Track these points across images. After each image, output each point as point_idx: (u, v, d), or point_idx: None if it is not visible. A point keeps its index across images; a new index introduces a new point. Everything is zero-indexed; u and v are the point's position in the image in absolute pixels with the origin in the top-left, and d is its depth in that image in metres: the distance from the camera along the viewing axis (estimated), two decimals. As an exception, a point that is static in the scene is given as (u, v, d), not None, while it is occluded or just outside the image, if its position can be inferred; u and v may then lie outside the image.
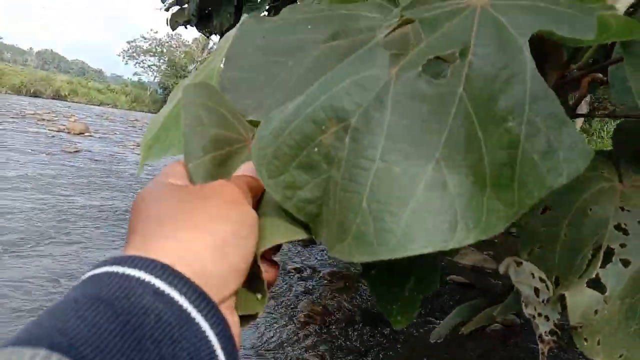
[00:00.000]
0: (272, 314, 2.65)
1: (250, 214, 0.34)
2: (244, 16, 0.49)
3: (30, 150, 6.64)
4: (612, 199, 0.42)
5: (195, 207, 0.32)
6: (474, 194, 0.28)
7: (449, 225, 0.27)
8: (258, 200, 0.38)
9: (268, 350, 2.25)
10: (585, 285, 0.39)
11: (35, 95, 23.31)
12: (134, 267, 0.27)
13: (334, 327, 2.56)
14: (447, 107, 0.30)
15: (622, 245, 0.39)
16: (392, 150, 0.29)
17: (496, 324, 2.64)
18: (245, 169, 0.39)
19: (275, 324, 2.53)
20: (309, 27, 0.44)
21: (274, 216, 0.36)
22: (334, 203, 0.31)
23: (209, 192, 0.34)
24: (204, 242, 0.30)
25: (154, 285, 0.26)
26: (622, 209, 0.41)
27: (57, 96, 24.72)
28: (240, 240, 0.32)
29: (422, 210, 0.28)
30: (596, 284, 0.39)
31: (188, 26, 3.97)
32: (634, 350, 0.37)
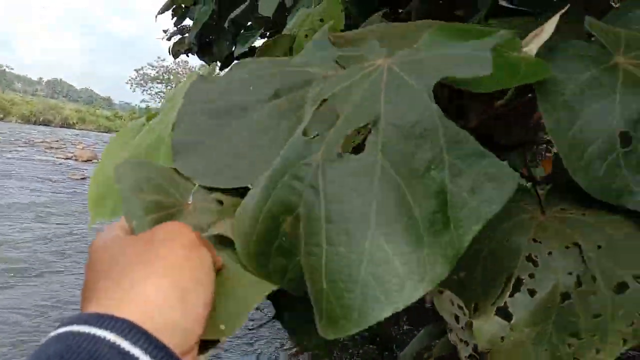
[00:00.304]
0: (278, 334, 2.62)
1: (207, 257, 0.35)
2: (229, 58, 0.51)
3: (36, 178, 6.71)
4: (528, 231, 0.43)
5: (153, 255, 0.32)
6: (413, 251, 0.30)
7: (398, 288, 0.29)
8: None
9: None
10: (494, 313, 0.40)
11: (45, 123, 23.64)
12: (100, 326, 0.27)
13: (342, 347, 2.53)
14: (370, 178, 0.32)
15: (531, 276, 0.40)
16: (334, 233, 0.32)
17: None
18: None
19: (285, 346, 2.50)
20: (251, 88, 0.47)
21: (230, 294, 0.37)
22: (308, 287, 0.34)
23: (164, 236, 0.34)
24: (165, 293, 0.30)
25: (119, 345, 0.27)
26: (535, 240, 0.42)
27: (66, 124, 25.07)
28: (199, 287, 0.32)
29: (370, 282, 0.30)
30: (505, 312, 0.40)
31: (189, 54, 4.04)
32: None
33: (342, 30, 0.92)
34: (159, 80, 42.98)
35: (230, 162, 0.43)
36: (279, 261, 0.36)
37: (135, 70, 43.89)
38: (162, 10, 3.71)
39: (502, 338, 0.39)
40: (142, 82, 43.65)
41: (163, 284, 0.30)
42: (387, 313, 0.29)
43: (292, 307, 0.43)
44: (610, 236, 0.40)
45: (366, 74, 0.38)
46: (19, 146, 11.04)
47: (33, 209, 4.85)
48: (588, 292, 0.38)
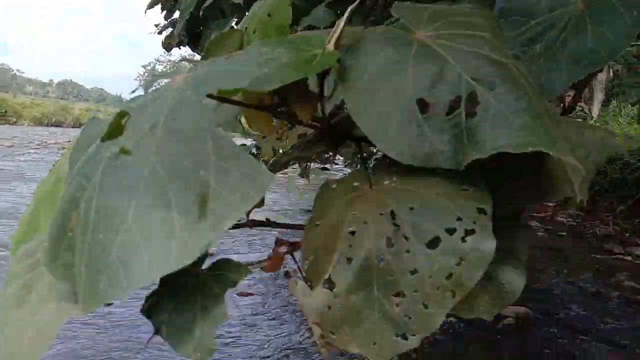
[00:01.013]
0: (279, 319, 2.61)
1: None
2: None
3: (47, 180, 6.79)
4: (351, 206, 0.45)
5: None
6: (163, 240, 0.32)
7: (140, 273, 0.32)
8: None
9: (265, 358, 2.22)
10: (322, 286, 0.42)
11: (57, 125, 23.98)
12: None
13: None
14: (138, 174, 0.35)
15: (350, 246, 0.42)
16: (98, 223, 0.35)
17: (510, 318, 2.54)
18: None
19: (280, 331, 2.51)
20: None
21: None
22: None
23: None
24: None
25: None
26: (354, 214, 0.44)
27: (78, 124, 25.39)
28: None
29: (117, 265, 0.33)
30: (330, 284, 0.42)
31: (181, 46, 4.04)
32: (383, 335, 0.39)
33: (290, 25, 0.90)
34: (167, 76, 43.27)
35: None
36: (66, 256, 0.38)
37: (143, 66, 44.23)
38: (151, 5, 3.70)
39: (329, 307, 0.41)
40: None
41: None
42: (124, 296, 0.32)
43: (168, 321, 0.44)
44: (423, 198, 0.42)
45: (159, 93, 0.42)
46: (32, 149, 11.21)
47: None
48: (401, 250, 0.40)
